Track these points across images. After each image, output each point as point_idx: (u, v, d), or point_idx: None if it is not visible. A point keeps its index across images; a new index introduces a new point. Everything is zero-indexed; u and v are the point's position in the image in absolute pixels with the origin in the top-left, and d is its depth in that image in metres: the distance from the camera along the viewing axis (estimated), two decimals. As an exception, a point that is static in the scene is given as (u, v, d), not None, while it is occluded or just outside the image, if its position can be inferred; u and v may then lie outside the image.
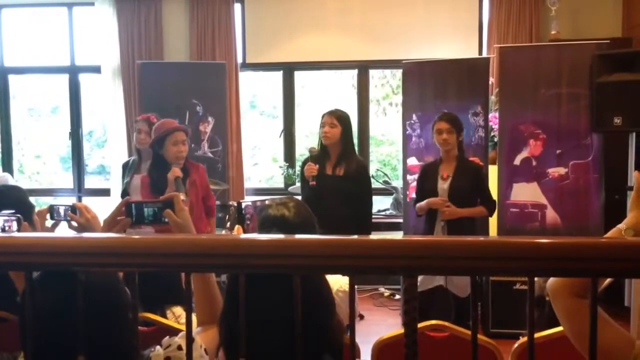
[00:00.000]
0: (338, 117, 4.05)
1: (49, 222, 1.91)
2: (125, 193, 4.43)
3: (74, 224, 1.85)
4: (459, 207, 4.00)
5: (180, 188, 3.50)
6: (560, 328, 1.46)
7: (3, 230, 1.85)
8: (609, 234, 1.31)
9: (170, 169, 3.69)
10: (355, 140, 6.43)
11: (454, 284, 4.05)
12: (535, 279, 0.97)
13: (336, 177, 4.04)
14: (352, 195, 4.04)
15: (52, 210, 1.89)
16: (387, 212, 6.01)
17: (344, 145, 4.08)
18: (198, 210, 3.85)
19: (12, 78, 6.87)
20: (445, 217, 3.99)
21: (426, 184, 4.15)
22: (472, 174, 4.11)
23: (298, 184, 4.61)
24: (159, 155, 3.76)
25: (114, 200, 5.15)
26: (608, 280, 1.36)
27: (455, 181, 4.04)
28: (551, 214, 4.77)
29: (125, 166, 4.63)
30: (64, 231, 1.89)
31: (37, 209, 2.09)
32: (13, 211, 1.90)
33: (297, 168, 5.81)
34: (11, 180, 6.18)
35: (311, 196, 3.92)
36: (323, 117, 4.09)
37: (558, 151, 4.76)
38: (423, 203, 4.09)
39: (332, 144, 4.06)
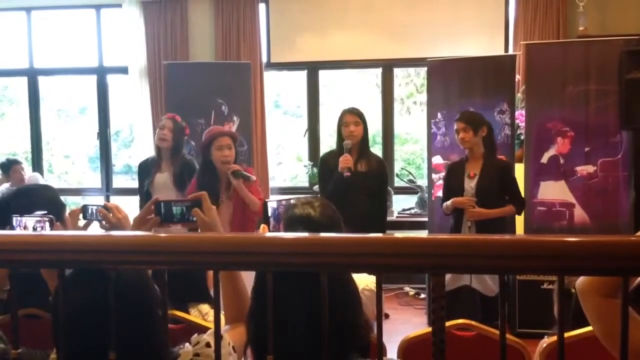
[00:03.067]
0: (360, 115, 4.11)
1: (81, 222, 1.95)
2: (148, 192, 4.48)
3: (105, 223, 1.89)
4: (487, 206, 3.95)
5: (242, 176, 3.69)
6: (589, 328, 1.44)
7: (35, 230, 1.88)
8: (641, 232, 1.29)
9: (217, 174, 3.81)
10: (380, 139, 6.44)
11: (480, 282, 4.02)
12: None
13: (359, 173, 4.08)
14: (374, 191, 4.11)
15: (84, 210, 1.94)
16: (412, 211, 5.97)
17: (363, 142, 4.14)
18: (237, 218, 3.86)
19: (41, 79, 6.99)
20: (470, 219, 3.96)
21: (452, 182, 4.12)
22: (500, 171, 4.04)
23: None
24: (208, 161, 3.84)
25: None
26: (639, 279, 1.34)
27: (482, 180, 3.99)
28: (579, 213, 4.70)
29: (144, 166, 4.70)
30: (95, 230, 1.93)
31: (69, 209, 2.14)
32: (45, 212, 1.93)
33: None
34: (41, 180, 6.28)
35: (334, 193, 3.93)
36: (343, 116, 4.12)
37: (586, 149, 4.69)
38: (449, 202, 4.06)
39: (355, 142, 4.09)
